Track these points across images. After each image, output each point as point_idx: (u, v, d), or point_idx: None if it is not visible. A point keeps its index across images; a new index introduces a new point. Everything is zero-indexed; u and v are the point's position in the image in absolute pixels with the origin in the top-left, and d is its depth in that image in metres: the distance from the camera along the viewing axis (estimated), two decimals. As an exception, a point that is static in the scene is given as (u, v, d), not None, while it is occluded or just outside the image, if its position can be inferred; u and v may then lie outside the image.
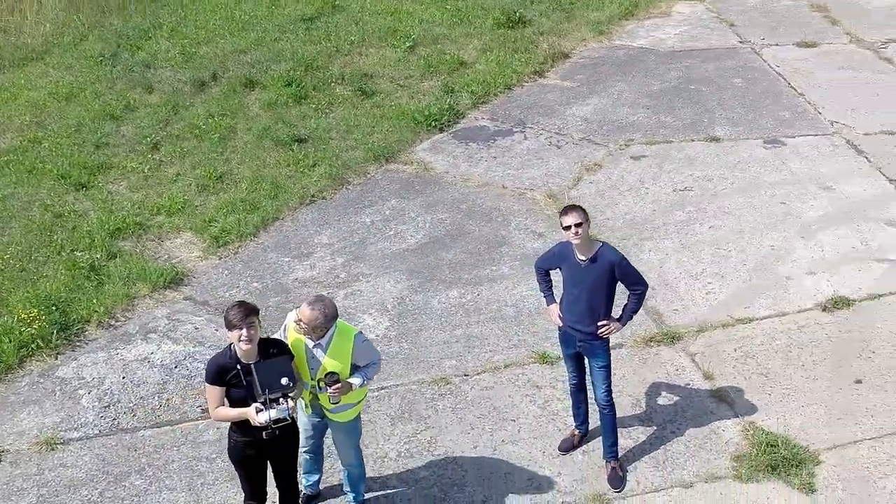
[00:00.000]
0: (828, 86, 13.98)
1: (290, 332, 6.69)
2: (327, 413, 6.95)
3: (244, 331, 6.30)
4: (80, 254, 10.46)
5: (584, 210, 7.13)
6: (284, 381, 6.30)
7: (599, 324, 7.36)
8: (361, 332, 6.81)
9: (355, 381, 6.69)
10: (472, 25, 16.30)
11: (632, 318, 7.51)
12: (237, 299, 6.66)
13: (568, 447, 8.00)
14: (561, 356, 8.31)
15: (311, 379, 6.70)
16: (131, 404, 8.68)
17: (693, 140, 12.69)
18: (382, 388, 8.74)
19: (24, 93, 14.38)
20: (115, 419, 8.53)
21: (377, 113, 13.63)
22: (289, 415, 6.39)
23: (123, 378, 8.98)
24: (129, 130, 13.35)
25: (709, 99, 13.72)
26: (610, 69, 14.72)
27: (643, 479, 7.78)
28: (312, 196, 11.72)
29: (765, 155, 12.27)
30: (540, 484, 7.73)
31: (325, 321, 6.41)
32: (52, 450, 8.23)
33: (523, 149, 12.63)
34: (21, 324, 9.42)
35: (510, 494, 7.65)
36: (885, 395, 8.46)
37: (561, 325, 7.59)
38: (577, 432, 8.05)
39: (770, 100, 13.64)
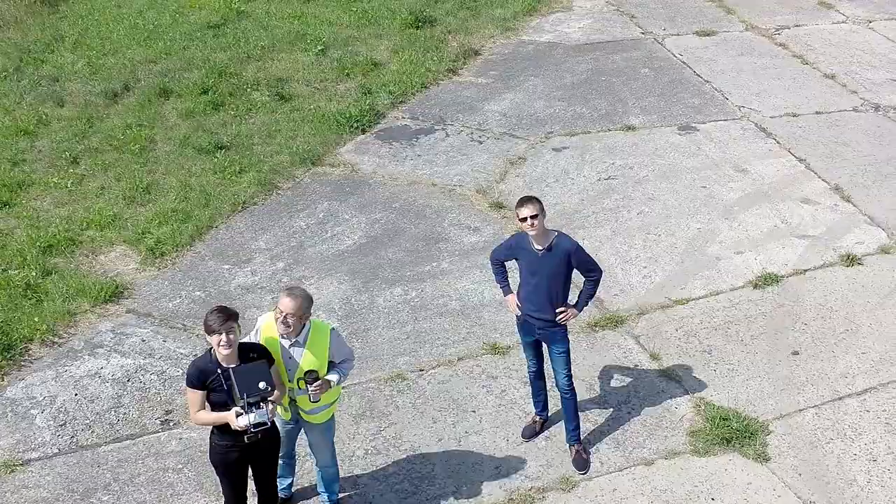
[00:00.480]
0: (731, 72, 14.57)
1: (265, 335, 6.75)
2: (304, 415, 7.04)
3: (223, 336, 6.36)
4: (13, 272, 10.18)
5: (539, 201, 7.38)
6: (262, 385, 6.37)
7: (558, 311, 7.61)
8: (335, 328, 6.91)
9: (333, 377, 6.84)
10: (380, 26, 16.43)
11: (587, 303, 7.78)
12: (216, 305, 6.65)
13: (530, 434, 8.24)
14: (511, 346, 8.55)
15: (290, 381, 6.74)
16: (88, 421, 8.60)
17: (610, 130, 13.10)
18: (342, 388, 8.79)
19: None
20: (73, 437, 8.45)
21: (297, 117, 13.65)
22: (268, 418, 6.46)
23: (76, 395, 8.89)
24: (44, 145, 13.09)
25: (620, 89, 14.15)
26: (521, 64, 15.04)
27: (606, 459, 8.07)
28: (244, 203, 11.72)
29: (680, 141, 12.74)
30: (507, 471, 7.95)
31: (307, 305, 6.53)
32: (12, 472, 8.13)
33: (446, 146, 12.84)
34: (-40, 348, 9.14)
35: (479, 483, 7.84)
36: (821, 364, 8.95)
37: (519, 313, 7.81)
38: (538, 419, 8.29)
39: (678, 88, 14.16)
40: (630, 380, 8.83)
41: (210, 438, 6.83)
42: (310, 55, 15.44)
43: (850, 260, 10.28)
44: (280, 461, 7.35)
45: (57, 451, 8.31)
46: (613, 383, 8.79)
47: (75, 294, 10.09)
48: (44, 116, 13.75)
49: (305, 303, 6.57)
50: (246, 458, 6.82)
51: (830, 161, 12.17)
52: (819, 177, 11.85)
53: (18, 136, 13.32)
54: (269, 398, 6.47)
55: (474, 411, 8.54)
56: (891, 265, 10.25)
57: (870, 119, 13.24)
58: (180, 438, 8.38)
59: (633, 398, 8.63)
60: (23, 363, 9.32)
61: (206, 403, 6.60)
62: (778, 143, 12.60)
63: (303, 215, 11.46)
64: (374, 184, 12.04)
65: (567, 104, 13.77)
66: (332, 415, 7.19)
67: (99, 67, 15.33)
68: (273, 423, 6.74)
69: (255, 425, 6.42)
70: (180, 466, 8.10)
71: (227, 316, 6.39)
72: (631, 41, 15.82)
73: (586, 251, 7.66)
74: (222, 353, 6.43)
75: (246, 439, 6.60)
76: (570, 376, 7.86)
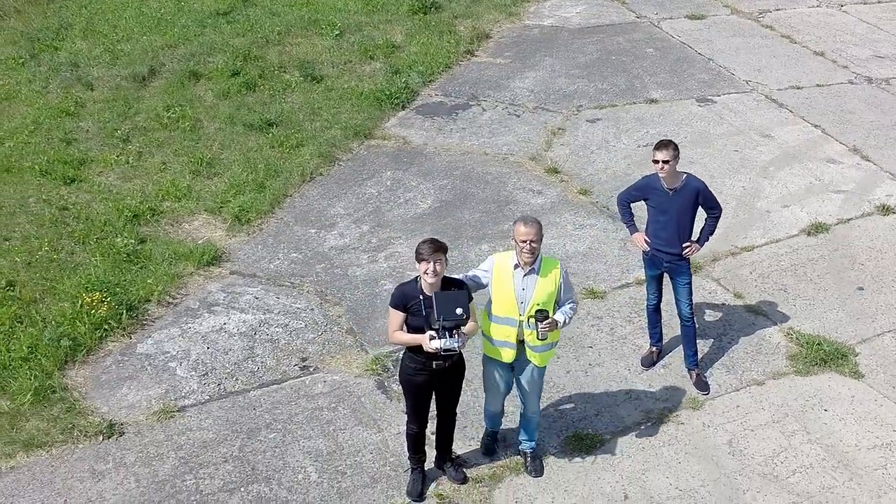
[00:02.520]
0: (729, 51, 15.72)
1: (497, 271, 7.28)
2: (528, 352, 7.42)
3: (431, 265, 6.96)
4: (118, 239, 10.56)
5: (675, 147, 8.23)
6: (459, 311, 6.94)
7: (684, 245, 8.48)
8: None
9: (560, 318, 7.29)
10: (388, 13, 17.08)
11: (708, 239, 8.66)
12: (428, 237, 7.22)
13: (649, 363, 9.08)
14: (606, 291, 9.41)
15: (520, 315, 7.26)
16: (228, 370, 9.07)
17: (634, 103, 14.05)
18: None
19: None
20: (219, 384, 8.91)
21: (334, 95, 14.22)
22: (459, 345, 7.03)
23: (208, 348, 9.33)
24: (89, 126, 13.37)
25: (632, 67, 15.13)
26: (532, 46, 15.90)
27: (721, 382, 8.96)
28: (311, 173, 12.21)
29: (701, 112, 13.78)
30: (638, 395, 8.76)
31: (540, 230, 7.11)
32: (171, 418, 8.53)
33: (486, 119, 13.59)
34: (87, 307, 9.53)
35: (616, 406, 8.64)
36: (885, 296, 10.04)
37: (648, 249, 8.64)
38: (654, 349, 9.14)
39: (686, 65, 15.22)
40: (721, 314, 9.73)
41: (402, 358, 7.41)
42: (328, 39, 16.01)
43: (885, 210, 11.42)
44: (490, 410, 7.93)
45: (208, 397, 8.76)
46: (708, 318, 9.67)
47: (177, 258, 10.46)
48: (78, 99, 13.95)
49: (539, 227, 7.17)
50: (432, 382, 7.39)
51: (842, 127, 13.34)
52: (836, 140, 13.00)
53: (61, 117, 13.53)
54: (461, 327, 7.03)
55: (591, 347, 9.32)
56: (921, 214, 11.42)
57: (866, 90, 14.52)
58: (325, 381, 8.93)
59: (730, 330, 9.54)
60: (144, 322, 9.69)
61: (405, 326, 7.11)
62: (791, 111, 13.72)
63: (370, 183, 12.06)
64: (429, 154, 12.71)
65: (588, 81, 14.66)
66: (548, 362, 7.63)
67: (118, 53, 15.60)
68: (461, 355, 7.32)
69: (446, 350, 6.97)
70: (333, 405, 8.65)
71: (437, 247, 7.02)
72: (629, 24, 16.83)
73: (711, 190, 8.50)
74: (428, 280, 7.04)
75: (434, 365, 7.21)
76: (691, 305, 8.72)
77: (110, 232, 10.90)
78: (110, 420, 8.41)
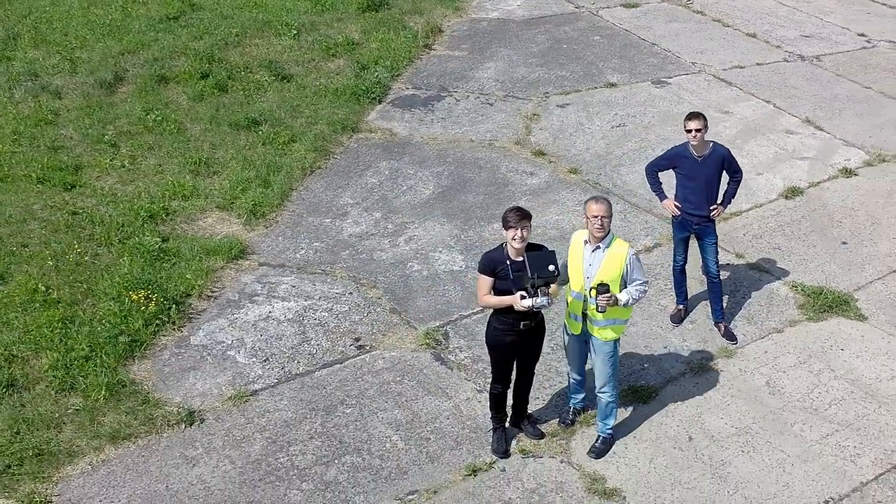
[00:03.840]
0: (669, 36, 16.77)
1: (572, 245, 7.90)
2: (590, 327, 7.95)
3: (518, 231, 7.56)
4: (147, 238, 10.80)
5: (705, 117, 9.06)
6: (551, 267, 7.58)
7: (711, 207, 9.33)
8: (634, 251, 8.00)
9: (623, 296, 7.82)
10: (338, 11, 17.55)
11: (730, 201, 9.54)
12: (514, 206, 7.78)
13: (678, 320, 9.91)
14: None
15: (585, 289, 7.87)
16: (287, 354, 9.49)
17: (596, 87, 14.93)
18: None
19: None
20: (282, 368, 9.32)
21: (307, 93, 14.63)
22: (548, 303, 7.69)
23: (260, 336, 9.72)
24: (71, 133, 13.45)
25: (584, 54, 16.02)
26: (485, 38, 16.63)
27: (745, 332, 9.86)
28: (310, 167, 12.64)
29: (660, 93, 14.76)
30: (676, 349, 9.58)
31: (610, 207, 7.79)
32: (246, 402, 8.92)
33: (462, 109, 14.26)
34: (136, 305, 9.80)
35: (659, 359, 9.43)
36: (867, 248, 11.13)
37: (678, 213, 9.46)
38: (681, 307, 9.98)
39: (633, 51, 16.19)
40: (729, 273, 10.63)
41: (489, 321, 7.99)
42: (286, 39, 16.38)
43: (848, 172, 12.56)
44: (575, 377, 8.47)
45: (276, 380, 9.16)
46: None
47: (206, 254, 10.77)
48: (51, 107, 13.99)
49: (611, 206, 7.81)
50: (516, 343, 7.99)
51: (790, 101, 14.50)
52: (789, 113, 14.13)
53: (39, 125, 13.57)
54: (551, 284, 7.68)
55: (621, 309, 10.04)
56: (880, 173, 12.61)
57: (801, 67, 15.76)
58: (384, 358, 9.44)
59: (741, 287, 10.45)
60: (191, 315, 10.01)
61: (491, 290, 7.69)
62: (741, 89, 14.82)
63: (369, 173, 12.56)
64: (417, 144, 13.29)
65: (547, 69, 15.46)
66: (618, 340, 8.12)
67: (76, 61, 15.60)
68: (542, 318, 7.96)
69: (537, 307, 7.63)
70: (399, 378, 9.18)
71: (523, 215, 7.64)
72: (570, 14, 17.74)
73: (734, 156, 9.38)
74: (515, 246, 7.65)
75: (521, 325, 7.84)
76: (718, 263, 9.58)
77: (131, 233, 11.07)
78: (189, 408, 8.66)
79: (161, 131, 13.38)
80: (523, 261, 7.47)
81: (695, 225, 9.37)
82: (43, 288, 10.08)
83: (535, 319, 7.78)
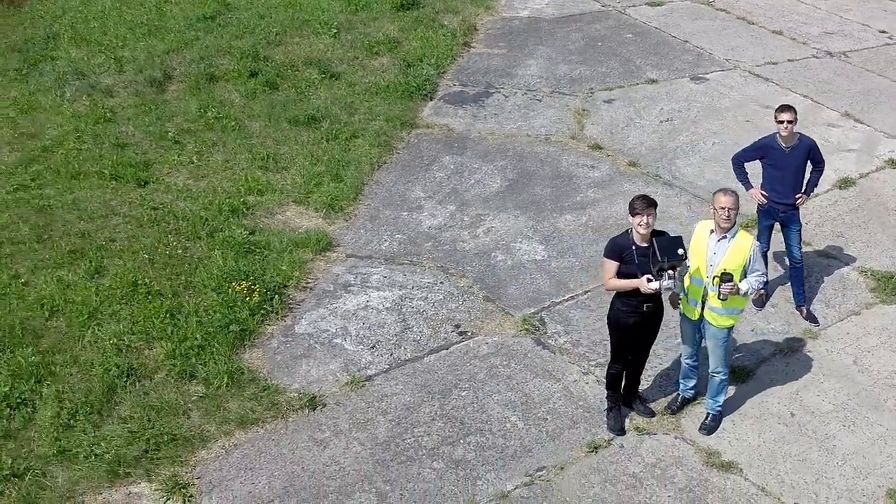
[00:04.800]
0: (699, 33, 17.28)
1: (697, 234, 8.29)
2: (708, 314, 8.30)
3: (644, 217, 7.97)
4: (237, 231, 11.08)
5: (795, 111, 9.54)
6: (681, 251, 8.01)
7: (796, 196, 9.82)
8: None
9: (743, 286, 8.19)
10: (372, 10, 17.85)
11: (813, 190, 10.03)
12: (640, 194, 8.17)
13: (761, 304, 10.38)
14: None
15: (707, 276, 8.24)
16: (393, 341, 9.83)
17: (638, 84, 15.40)
18: (587, 292, 10.58)
19: None
20: (391, 354, 9.67)
21: (358, 90, 14.95)
22: (674, 285, 8.14)
23: (363, 324, 10.05)
24: (130, 130, 13.66)
25: (620, 51, 16.48)
26: (521, 36, 17.04)
27: (824, 315, 10.35)
28: (377, 162, 12.97)
29: (700, 88, 15.26)
30: (763, 331, 10.04)
31: (738, 200, 8.22)
32: (363, 387, 9.25)
33: (512, 105, 14.66)
34: (239, 295, 10.09)
35: (748, 343, 9.88)
36: (926, 234, 11.68)
37: (765, 202, 9.92)
38: (762, 292, 10.44)
39: (666, 48, 16.68)
40: (800, 260, 11.10)
41: (612, 303, 8.38)
42: (326, 38, 16.66)
43: (894, 163, 13.09)
44: (688, 362, 8.83)
45: (387, 366, 9.50)
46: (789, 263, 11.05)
47: (295, 246, 11.07)
48: (105, 105, 14.18)
49: (738, 199, 8.21)
50: (638, 325, 8.42)
51: (826, 96, 15.06)
52: (827, 107, 14.68)
53: (99, 123, 13.77)
54: (677, 268, 8.12)
55: (704, 295, 10.50)
56: (925, 164, 13.19)
57: (831, 63, 16.33)
58: (487, 343, 9.82)
59: (812, 273, 10.94)
60: (290, 305, 10.31)
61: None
62: (777, 85, 15.35)
63: (435, 167, 12.92)
64: (476, 139, 13.67)
65: (587, 66, 15.91)
66: (732, 326, 8.51)
67: (121, 60, 15.76)
68: (661, 305, 8.35)
69: (664, 289, 8.07)
70: (505, 362, 9.57)
71: (649, 203, 8.05)
72: (599, 13, 18.19)
73: (818, 147, 9.87)
74: (640, 231, 8.06)
75: (644, 308, 8.27)
76: (801, 248, 10.05)
77: (216, 227, 11.31)
78: (310, 394, 8.97)
79: (222, 128, 13.60)
80: (652, 245, 7.84)
81: (780, 213, 9.83)
82: (142, 281, 10.25)
83: (656, 302, 8.17)
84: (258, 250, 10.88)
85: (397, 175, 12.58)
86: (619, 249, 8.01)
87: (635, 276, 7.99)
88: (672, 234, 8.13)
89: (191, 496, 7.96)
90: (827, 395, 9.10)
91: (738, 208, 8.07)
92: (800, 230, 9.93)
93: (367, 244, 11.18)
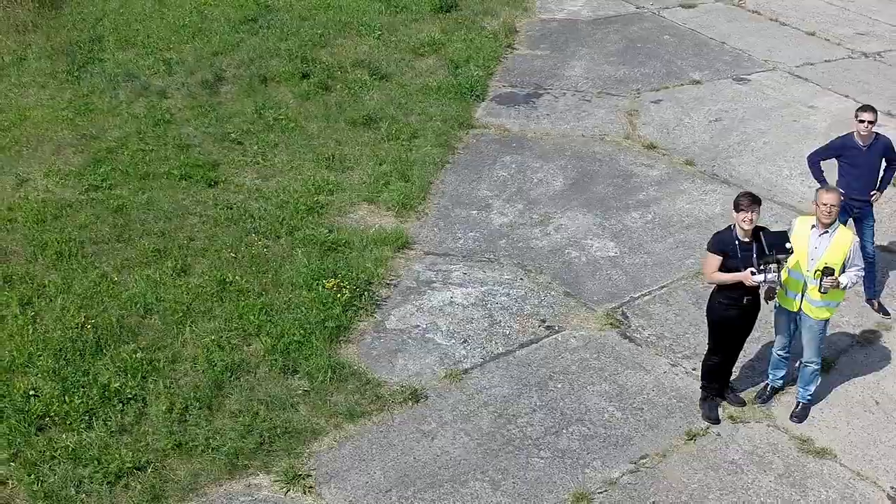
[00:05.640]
0: (734, 35, 17.65)
1: (797, 229, 8.60)
2: (807, 306, 8.63)
3: (748, 214, 8.31)
4: (324, 230, 11.35)
5: (876, 111, 9.90)
6: (788, 245, 8.35)
7: (871, 192, 10.18)
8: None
9: (844, 279, 8.50)
10: (411, 12, 18.12)
11: (886, 187, 10.39)
12: (745, 190, 8.49)
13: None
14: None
15: (807, 270, 8.57)
16: (483, 336, 10.13)
17: (683, 84, 15.75)
18: (663, 287, 10.90)
19: (32, 112, 14.22)
20: (483, 348, 9.96)
21: (410, 91, 15.22)
22: (778, 279, 8.47)
23: (451, 319, 10.34)
24: (191, 131, 13.88)
25: (660, 53, 16.83)
26: (561, 38, 17.37)
27: (894, 307, 10.71)
28: (440, 162, 13.26)
29: (744, 89, 15.62)
30: (836, 324, 10.34)
31: (840, 198, 8.55)
32: (460, 380, 9.54)
33: (563, 105, 14.98)
34: (330, 293, 10.36)
35: (826, 336, 10.22)
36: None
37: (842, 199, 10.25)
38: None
39: (705, 49, 17.05)
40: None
41: (713, 295, 8.72)
42: (370, 39, 16.92)
43: (944, 159, 13.46)
44: (780, 353, 9.14)
45: (481, 360, 9.80)
46: (856, 259, 11.38)
47: (375, 244, 11.35)
48: (161, 107, 14.39)
49: (840, 196, 8.51)
50: (737, 318, 8.75)
51: (866, 96, 15.42)
52: (869, 106, 15.02)
53: (159, 124, 13.99)
54: (782, 263, 8.42)
55: (777, 289, 10.84)
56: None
57: (866, 63, 16.74)
58: (575, 337, 10.13)
59: (878, 267, 11.28)
60: (378, 302, 10.59)
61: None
62: (818, 85, 15.74)
63: (496, 167, 13.22)
64: (532, 139, 13.98)
65: (630, 67, 16.24)
66: (829, 318, 8.83)
67: (170, 62, 15.97)
68: (758, 299, 8.65)
69: (767, 282, 8.38)
70: (595, 355, 9.88)
71: (753, 200, 8.37)
72: (634, 14, 18.54)
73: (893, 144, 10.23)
74: (744, 227, 8.38)
75: (745, 301, 8.60)
76: (874, 243, 10.41)
77: (294, 226, 11.57)
78: (412, 387, 9.25)
79: (281, 129, 13.84)
80: (759, 239, 8.17)
81: (856, 209, 10.18)
82: (231, 279, 10.49)
83: (755, 296, 8.50)
84: (339, 248, 11.09)
85: (461, 174, 12.85)
86: (723, 244, 8.32)
87: (738, 270, 8.26)
88: (769, 230, 8.41)
89: (310, 487, 8.19)
90: (907, 385, 9.44)
91: (839, 205, 8.34)
92: (873, 225, 10.27)
93: (442, 242, 11.46)
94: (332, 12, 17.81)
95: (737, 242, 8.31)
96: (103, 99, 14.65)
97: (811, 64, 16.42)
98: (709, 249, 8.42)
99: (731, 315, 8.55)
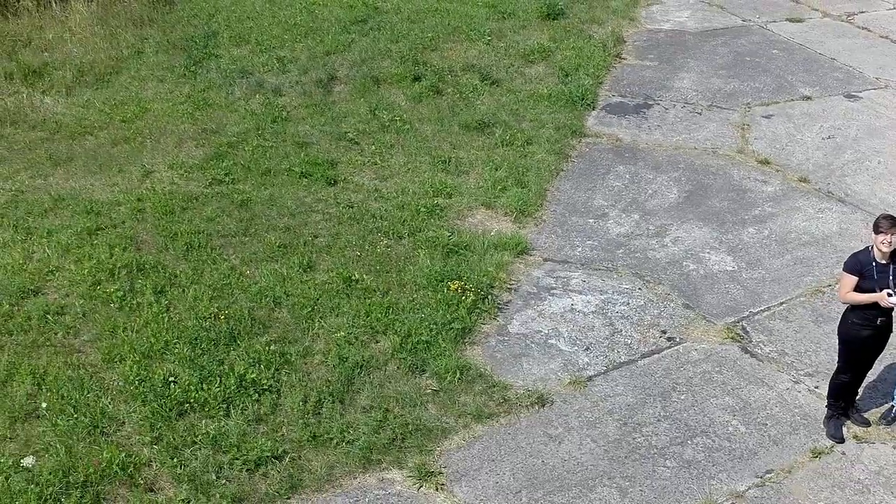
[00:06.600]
0: (844, 51, 17.53)
1: None
2: None
3: (888, 236, 8.36)
4: (445, 233, 11.57)
5: None
6: None
7: None
8: None
9: None
10: (519, 19, 18.27)
11: None
12: (885, 213, 8.53)
13: None
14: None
15: None
16: (605, 344, 10.26)
17: (793, 100, 15.71)
18: (782, 304, 10.93)
19: (152, 105, 14.64)
20: (605, 356, 10.09)
21: (521, 97, 15.38)
22: None
23: (573, 326, 10.49)
24: (308, 129, 14.17)
25: (770, 67, 16.79)
26: (669, 49, 17.40)
27: None
28: (555, 169, 13.40)
29: (855, 106, 15.54)
30: None
31: None
32: (585, 387, 9.69)
33: (673, 117, 15.03)
34: (454, 294, 10.56)
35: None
36: None
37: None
38: None
39: (815, 65, 16.97)
40: None
41: (846, 315, 8.76)
42: (480, 44, 17.11)
43: None
44: None
45: (604, 368, 9.93)
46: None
47: (495, 249, 11.52)
48: (278, 104, 14.71)
49: None
50: (870, 338, 8.78)
51: (980, 116, 15.27)
52: None
53: (276, 121, 14.32)
54: None
55: None
56: None
57: (980, 84, 16.53)
58: (696, 350, 10.24)
59: None
60: (499, 306, 10.77)
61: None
62: (931, 104, 15.57)
63: (610, 177, 13.34)
64: (644, 149, 14.06)
65: (740, 81, 16.24)
66: None
67: (283, 60, 16.31)
68: (892, 320, 8.71)
69: None
70: (717, 369, 9.96)
71: (893, 223, 8.42)
72: (740, 27, 18.51)
73: None
74: (883, 249, 8.43)
75: (878, 321, 8.63)
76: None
77: (416, 227, 11.80)
78: (538, 391, 9.43)
79: (396, 130, 14.09)
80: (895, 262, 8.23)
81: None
82: (356, 277, 10.76)
83: (889, 317, 8.54)
84: (460, 252, 11.30)
85: (576, 182, 13.01)
86: (860, 265, 8.39)
87: (873, 291, 8.32)
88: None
89: (442, 484, 8.40)
90: None
91: None
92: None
93: (560, 249, 11.62)
94: (439, 16, 18.03)
95: (874, 264, 8.38)
96: (220, 94, 15.00)
97: (924, 83, 16.24)
98: (845, 270, 8.49)
99: (863, 335, 8.61)
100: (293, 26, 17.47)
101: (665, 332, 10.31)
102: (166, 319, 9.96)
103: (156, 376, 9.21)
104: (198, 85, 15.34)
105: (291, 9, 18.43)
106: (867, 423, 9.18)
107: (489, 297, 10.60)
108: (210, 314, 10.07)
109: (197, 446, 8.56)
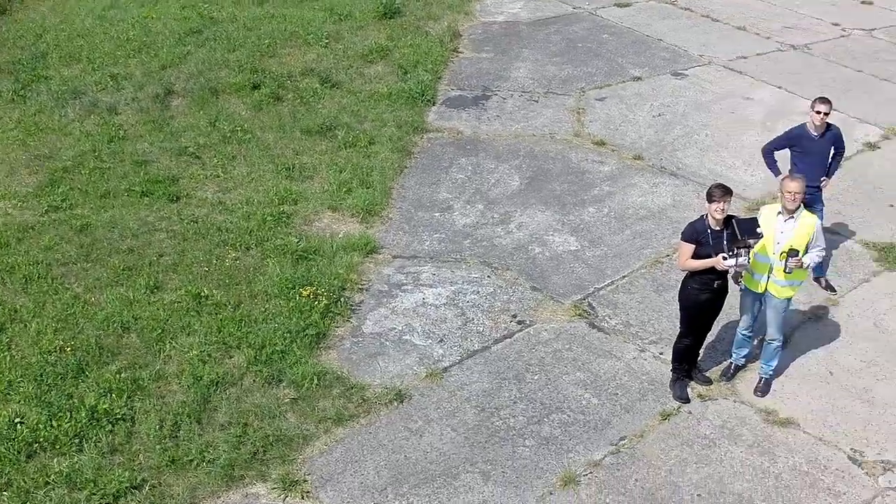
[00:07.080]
0: (669, 32, 18.27)
1: (764, 215, 9.13)
2: (772, 286, 9.17)
3: (720, 203, 8.81)
4: (293, 239, 11.62)
5: (830, 102, 10.50)
6: (759, 230, 8.89)
7: (821, 179, 10.81)
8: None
9: (807, 260, 9.08)
10: (355, 20, 18.41)
11: (834, 174, 11.03)
12: (718, 182, 9.01)
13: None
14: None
15: (773, 253, 9.06)
16: (458, 334, 10.49)
17: (625, 81, 16.30)
18: (624, 277, 11.39)
19: None
20: (460, 346, 10.33)
21: (361, 97, 15.50)
22: (747, 262, 8.98)
23: (425, 320, 10.70)
24: (147, 147, 14.01)
25: (601, 51, 17.37)
26: (503, 40, 17.81)
27: (839, 284, 11.38)
28: (398, 167, 13.61)
29: (682, 84, 16.23)
30: (791, 303, 10.96)
31: (804, 186, 9.09)
32: (441, 378, 9.91)
33: (511, 106, 15.42)
34: (307, 301, 10.66)
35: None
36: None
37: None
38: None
39: (643, 46, 17.64)
40: (811, 238, 12.09)
41: (685, 281, 9.20)
42: (318, 48, 17.18)
43: (871, 146, 14.26)
44: (743, 333, 9.65)
45: (458, 358, 10.17)
46: (803, 242, 11.99)
47: (343, 251, 11.65)
48: (114, 123, 14.51)
49: (804, 184, 9.05)
50: (709, 301, 9.22)
51: (798, 86, 16.15)
52: (800, 97, 15.72)
53: (114, 141, 14.11)
54: (752, 247, 8.94)
55: (732, 274, 11.40)
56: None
57: (795, 55, 17.48)
58: (546, 330, 10.53)
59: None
60: (352, 307, 10.90)
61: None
62: (752, 77, 16.41)
63: (454, 169, 13.61)
64: (485, 140, 14.39)
65: (573, 66, 16.76)
66: (792, 297, 9.41)
67: (117, 77, 16.07)
68: (727, 283, 9.18)
69: (738, 266, 8.90)
70: (567, 346, 10.30)
71: (725, 191, 8.85)
72: (571, 15, 19.08)
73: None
74: (715, 216, 8.87)
75: (715, 284, 9.12)
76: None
77: (263, 237, 11.81)
78: (395, 388, 9.60)
79: (238, 141, 14.02)
80: (732, 226, 8.69)
81: (806, 195, 10.73)
82: (205, 293, 10.71)
83: (725, 280, 9.04)
84: (310, 257, 11.35)
85: (419, 178, 13.20)
86: (697, 233, 8.84)
87: (710, 257, 8.77)
88: (739, 217, 8.94)
89: (307, 492, 8.46)
90: (857, 354, 10.11)
91: (803, 192, 8.91)
92: (822, 210, 10.85)
93: (408, 245, 11.79)
94: (276, 22, 17.97)
95: (709, 231, 8.81)
96: (52, 117, 14.62)
97: (744, 57, 17.07)
98: (683, 239, 8.91)
99: (703, 299, 9.05)
100: (126, 42, 17.12)
101: (515, 317, 10.56)
102: (8, 358, 9.67)
103: (1, 418, 8.91)
104: (28, 109, 14.90)
105: (123, 24, 18.05)
106: (709, 382, 9.64)
107: (341, 299, 10.64)
108: (55, 347, 9.82)
109: (50, 487, 8.33)
